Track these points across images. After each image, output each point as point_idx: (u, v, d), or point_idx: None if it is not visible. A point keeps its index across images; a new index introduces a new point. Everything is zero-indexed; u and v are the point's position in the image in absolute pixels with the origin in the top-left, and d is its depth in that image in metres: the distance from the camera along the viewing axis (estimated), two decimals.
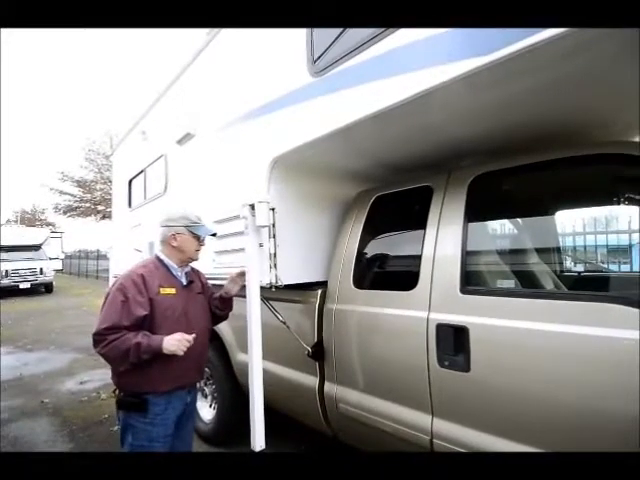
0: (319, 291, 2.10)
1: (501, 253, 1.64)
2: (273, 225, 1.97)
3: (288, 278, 2.01)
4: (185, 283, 1.77)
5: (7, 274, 13.00)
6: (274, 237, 1.97)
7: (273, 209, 1.97)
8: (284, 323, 2.10)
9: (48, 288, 14.28)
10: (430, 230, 1.66)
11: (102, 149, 20.20)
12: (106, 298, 1.60)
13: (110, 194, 18.85)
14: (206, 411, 3.09)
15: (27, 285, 13.43)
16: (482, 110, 1.49)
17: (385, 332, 1.75)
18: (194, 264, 1.90)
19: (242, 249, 2.19)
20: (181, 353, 1.51)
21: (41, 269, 13.98)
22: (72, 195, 21.03)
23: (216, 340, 2.92)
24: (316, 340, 2.05)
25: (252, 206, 1.86)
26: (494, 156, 1.65)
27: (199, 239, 1.79)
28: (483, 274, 1.60)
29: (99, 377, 4.44)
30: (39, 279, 13.81)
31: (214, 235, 1.88)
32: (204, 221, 1.84)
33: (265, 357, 2.07)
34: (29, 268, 13.72)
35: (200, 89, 2.79)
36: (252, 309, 1.83)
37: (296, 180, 2.13)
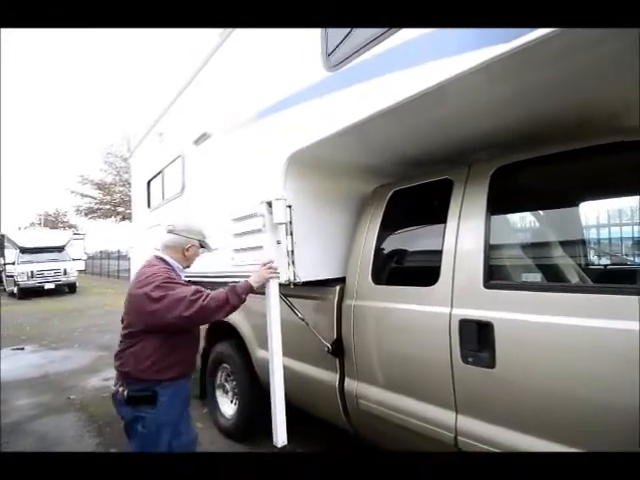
0: (337, 287, 2.09)
1: (525, 246, 1.59)
2: (290, 222, 1.97)
3: (306, 275, 2.01)
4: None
5: (32, 275, 13.48)
6: (291, 234, 1.97)
7: (290, 206, 1.97)
8: (303, 320, 2.10)
9: (71, 288, 14.71)
10: (451, 224, 1.63)
11: (120, 152, 20.61)
12: (155, 297, 1.59)
13: (129, 196, 19.26)
14: (227, 407, 3.13)
15: (51, 285, 13.88)
16: (501, 101, 1.44)
17: (406, 328, 1.73)
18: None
19: (260, 247, 2.21)
20: (275, 277, 1.85)
21: (65, 270, 14.42)
22: (92, 197, 21.60)
23: (235, 336, 2.95)
24: (335, 337, 2.05)
25: (269, 203, 1.87)
26: (515, 147, 1.61)
27: (199, 249, 1.99)
28: (507, 268, 1.56)
29: None
30: (63, 279, 14.26)
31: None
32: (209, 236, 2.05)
33: (285, 354, 2.08)
34: (53, 269, 14.17)
35: (215, 89, 2.81)
36: (271, 307, 1.84)
37: (313, 177, 2.12)
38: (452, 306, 1.52)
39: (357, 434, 2.07)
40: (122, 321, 1.77)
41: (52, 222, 31.07)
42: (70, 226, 29.14)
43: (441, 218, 1.68)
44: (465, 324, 1.46)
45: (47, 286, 13.78)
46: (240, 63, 2.46)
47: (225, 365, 3.18)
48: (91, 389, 4.28)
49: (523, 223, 1.68)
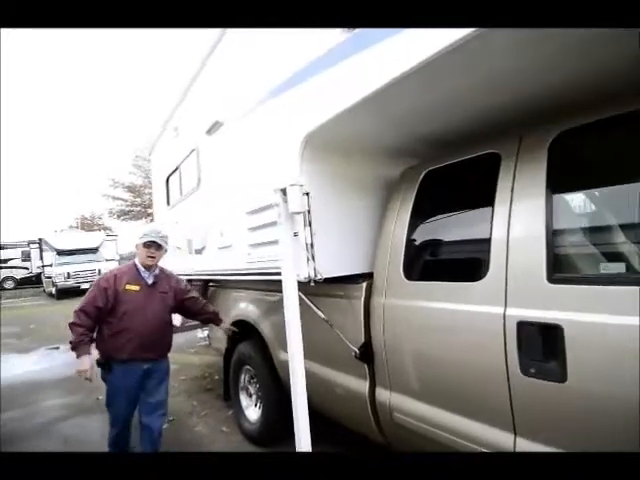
0: (364, 284, 1.85)
1: (600, 230, 1.28)
2: (308, 211, 1.74)
3: (328, 271, 1.78)
4: (150, 282, 2.34)
5: (69, 276, 14.04)
6: (310, 225, 1.74)
7: (307, 194, 1.74)
8: (327, 321, 1.88)
9: None
10: (500, 207, 1.35)
11: (147, 154, 21.07)
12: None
13: None
14: (251, 411, 2.97)
15: (87, 286, 14.35)
16: (558, 56, 1.14)
17: (446, 331, 1.47)
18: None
19: (270, 242, 2.01)
20: (82, 376, 2.19)
21: (99, 270, 14.90)
22: (124, 200, 22.25)
23: (257, 338, 2.78)
24: (364, 340, 1.81)
25: (284, 191, 1.65)
26: (581, 107, 1.29)
27: (148, 247, 2.29)
28: (578, 258, 1.26)
29: None
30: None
31: (153, 244, 2.30)
32: (157, 233, 2.34)
33: (309, 357, 1.88)
34: (88, 270, 14.71)
35: (225, 74, 2.61)
36: (290, 309, 1.63)
37: (332, 160, 1.88)
38: (506, 305, 1.24)
39: (392, 448, 1.84)
40: None
41: (88, 225, 32.46)
42: (105, 228, 30.33)
43: (487, 200, 1.40)
44: (525, 327, 1.18)
45: (83, 286, 14.28)
46: (247, 40, 2.25)
47: (248, 367, 3.02)
48: None
49: (597, 201, 1.37)
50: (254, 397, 2.98)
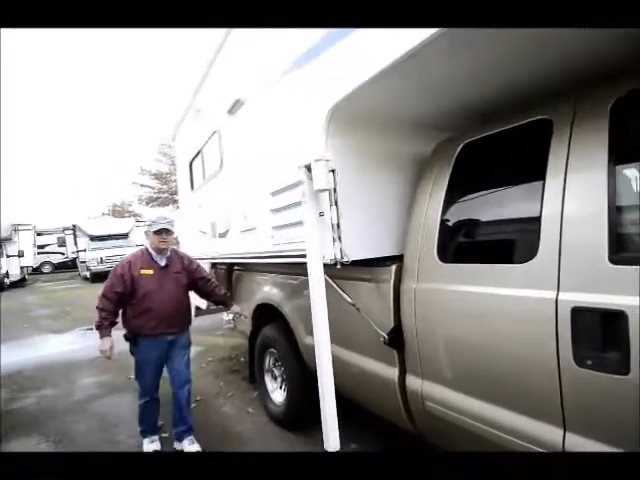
0: (393, 267, 1.75)
1: None
2: (334, 189, 1.64)
3: (355, 253, 1.69)
4: (162, 265, 2.50)
5: (102, 260, 14.61)
6: (336, 204, 1.65)
7: (333, 170, 1.63)
8: (354, 305, 1.80)
9: None
10: (553, 180, 1.20)
11: (170, 141, 21.40)
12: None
13: None
14: (277, 393, 2.98)
15: None
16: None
17: (487, 317, 1.35)
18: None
19: (294, 223, 1.93)
20: (103, 355, 2.42)
21: None
22: (151, 187, 22.85)
23: (281, 321, 2.75)
24: (393, 325, 1.72)
25: (308, 167, 1.55)
26: None
27: (159, 234, 2.43)
28: None
29: None
30: None
31: (164, 230, 2.42)
32: (164, 219, 2.45)
33: (335, 342, 1.82)
34: (120, 254, 15.22)
35: (246, 51, 2.51)
36: (316, 293, 1.56)
37: (358, 135, 1.77)
38: (559, 289, 1.11)
39: (423, 438, 1.76)
40: None
41: (119, 212, 33.58)
42: (134, 215, 31.35)
43: (536, 173, 1.25)
44: (581, 314, 1.05)
45: None
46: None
47: (272, 350, 3.01)
48: None
49: None
50: (279, 380, 2.97)
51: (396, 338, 1.70)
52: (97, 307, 2.38)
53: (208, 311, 4.03)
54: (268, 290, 2.97)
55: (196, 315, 4.35)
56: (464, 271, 1.46)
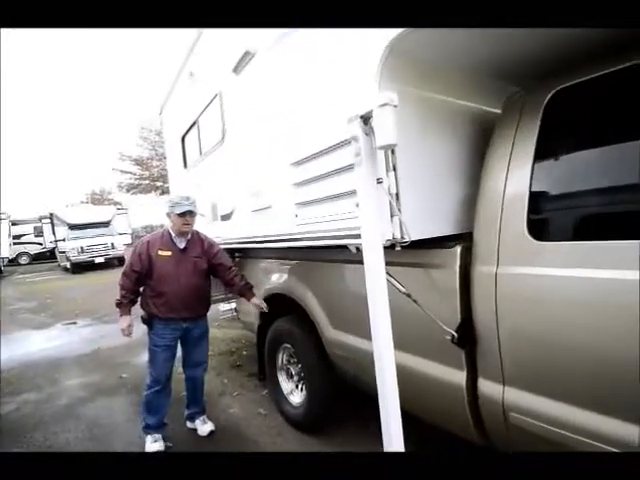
0: (458, 249, 1.42)
1: None
2: (392, 150, 1.29)
3: (416, 231, 1.34)
4: (182, 247, 2.41)
5: (83, 250, 13.90)
6: (394, 169, 1.29)
7: None
8: (409, 296, 1.46)
9: (121, 261, 15.09)
10: None
11: (153, 126, 20.48)
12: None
13: (166, 170, 19.32)
14: (294, 394, 2.66)
15: (101, 259, 14.30)
16: None
17: (608, 309, 1.04)
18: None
19: (331, 197, 1.57)
20: (123, 334, 2.43)
21: (112, 244, 14.77)
22: (132, 173, 21.86)
23: (298, 313, 2.41)
24: (460, 320, 1.40)
25: (366, 118, 1.18)
26: None
27: (183, 216, 2.31)
28: None
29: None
30: (111, 253, 14.62)
31: (187, 213, 2.31)
32: (187, 200, 2.33)
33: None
34: (101, 244, 14.55)
35: None
36: (375, 284, 1.19)
37: (421, 82, 1.40)
38: None
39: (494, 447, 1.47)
40: None
41: (98, 200, 32.34)
42: (115, 203, 30.23)
43: None
44: None
45: (97, 260, 14.21)
46: None
47: (287, 345, 2.67)
48: (143, 366, 4.00)
49: None
50: (295, 378, 2.65)
51: (465, 335, 1.38)
52: (119, 285, 2.38)
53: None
54: (282, 279, 2.62)
55: None
56: (572, 251, 1.13)
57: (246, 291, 2.58)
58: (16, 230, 19.20)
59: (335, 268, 2.04)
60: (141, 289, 2.44)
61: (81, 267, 13.85)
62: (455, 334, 1.37)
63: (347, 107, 1.36)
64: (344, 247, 1.70)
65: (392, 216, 1.29)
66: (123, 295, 2.36)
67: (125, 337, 2.46)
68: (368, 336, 1.84)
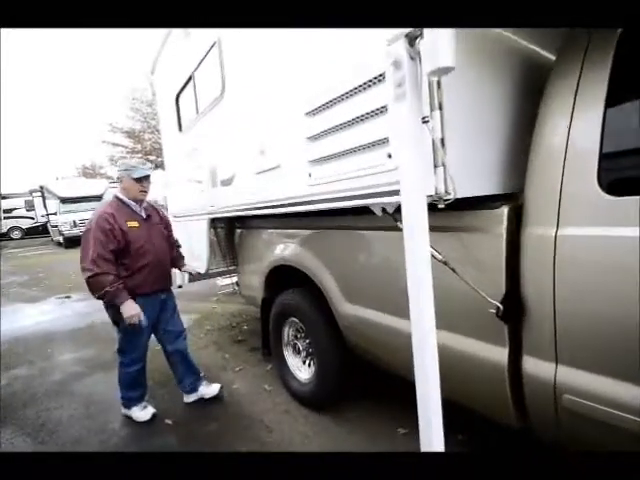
0: (505, 209, 1.21)
1: None
2: (438, 84, 1.06)
3: (462, 187, 1.13)
4: (144, 217, 2.27)
5: (75, 224, 13.54)
6: (440, 108, 1.07)
7: None
8: (445, 264, 1.27)
9: None
10: None
11: (145, 97, 19.72)
12: (86, 235, 2.10)
13: (158, 143, 18.70)
14: (300, 369, 2.52)
15: None
16: None
17: None
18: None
19: (352, 150, 1.35)
20: (134, 321, 2.09)
21: None
22: (124, 146, 21.20)
23: (307, 283, 2.23)
24: (505, 291, 1.22)
25: (411, 38, 0.93)
26: None
27: (139, 182, 2.18)
28: None
29: None
30: None
31: (144, 178, 2.20)
32: (144, 165, 2.25)
33: (406, 315, 1.31)
34: None
35: None
36: (417, 249, 0.98)
37: None
38: None
39: (539, 436, 1.33)
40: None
41: (90, 174, 31.61)
42: (107, 177, 29.58)
43: None
44: None
45: None
46: None
47: (293, 319, 2.51)
48: None
49: None
50: (303, 354, 2.50)
51: (511, 307, 1.20)
52: (96, 274, 1.99)
53: (206, 275, 3.47)
54: (287, 248, 2.42)
55: (190, 281, 3.82)
56: None
57: (180, 259, 2.64)
58: (6, 204, 18.70)
59: (352, 236, 1.83)
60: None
61: (74, 241, 13.52)
62: (500, 306, 1.19)
63: (377, 35, 1.12)
64: (364, 211, 1.50)
65: (435, 167, 1.07)
66: (112, 281, 2.01)
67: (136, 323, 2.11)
68: (390, 311, 1.68)
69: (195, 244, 3.31)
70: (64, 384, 3.00)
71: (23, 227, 19.90)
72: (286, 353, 2.63)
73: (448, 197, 1.09)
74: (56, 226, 14.12)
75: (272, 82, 1.90)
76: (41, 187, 15.98)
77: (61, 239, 13.75)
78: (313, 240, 2.16)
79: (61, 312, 5.20)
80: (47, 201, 15.40)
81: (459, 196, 1.11)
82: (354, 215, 1.73)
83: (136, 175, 2.16)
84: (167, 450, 2.10)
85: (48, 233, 16.82)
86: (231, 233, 3.40)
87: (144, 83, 19.19)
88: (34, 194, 17.96)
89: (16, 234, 19.51)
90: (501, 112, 1.26)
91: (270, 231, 2.67)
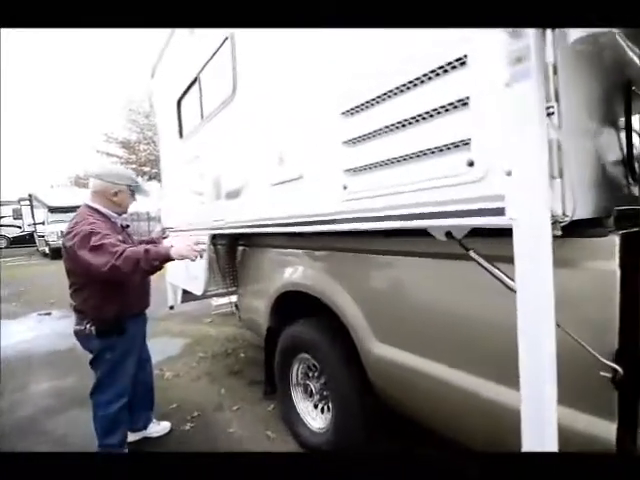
0: (615, 238, 0.91)
1: None
2: (554, 69, 0.77)
3: (580, 206, 0.83)
4: (123, 229, 2.12)
5: (63, 234, 13.06)
6: (557, 99, 0.78)
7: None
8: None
9: None
10: None
11: (142, 108, 19.62)
12: (73, 253, 1.78)
13: (154, 155, 18.44)
14: (313, 416, 2.16)
15: None
16: None
17: None
18: None
19: (410, 156, 1.06)
20: (193, 258, 1.86)
21: None
22: (118, 157, 20.89)
23: (325, 316, 1.90)
24: (617, 346, 0.91)
25: None
26: None
27: (134, 196, 2.10)
28: None
29: (159, 348, 3.68)
30: None
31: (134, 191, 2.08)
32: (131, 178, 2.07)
33: (485, 374, 1.00)
34: None
35: None
36: (540, 283, 0.68)
37: None
38: None
39: None
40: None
41: (83, 184, 31.15)
42: None
43: None
44: None
45: None
46: None
47: (305, 355, 2.17)
48: None
49: None
50: (316, 397, 2.14)
51: (632, 370, 0.89)
52: (118, 256, 1.66)
53: (202, 296, 3.11)
54: (302, 272, 2.10)
55: (183, 301, 3.47)
56: None
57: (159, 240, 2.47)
58: None
59: (392, 263, 1.52)
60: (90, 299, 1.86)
61: (61, 253, 13.02)
62: (619, 369, 0.88)
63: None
64: (410, 232, 1.20)
65: (552, 177, 0.78)
66: (139, 247, 1.75)
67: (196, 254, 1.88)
68: (440, 359, 1.35)
69: (192, 262, 2.97)
70: (34, 422, 2.58)
71: (9, 236, 19.26)
72: (294, 395, 2.27)
73: (565, 219, 0.79)
74: (43, 236, 13.58)
75: (296, 77, 1.61)
76: (30, 195, 15.50)
77: (47, 249, 13.21)
78: (336, 264, 1.84)
79: (41, 331, 4.74)
80: (35, 210, 14.89)
81: (577, 217, 0.81)
82: (396, 237, 1.43)
83: (128, 185, 2.03)
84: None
85: (34, 243, 16.23)
86: (232, 251, 3.07)
87: (141, 94, 19.14)
88: (22, 202, 17.43)
89: (1, 243, 18.86)
90: (614, 109, 0.98)
91: (280, 250, 2.34)
